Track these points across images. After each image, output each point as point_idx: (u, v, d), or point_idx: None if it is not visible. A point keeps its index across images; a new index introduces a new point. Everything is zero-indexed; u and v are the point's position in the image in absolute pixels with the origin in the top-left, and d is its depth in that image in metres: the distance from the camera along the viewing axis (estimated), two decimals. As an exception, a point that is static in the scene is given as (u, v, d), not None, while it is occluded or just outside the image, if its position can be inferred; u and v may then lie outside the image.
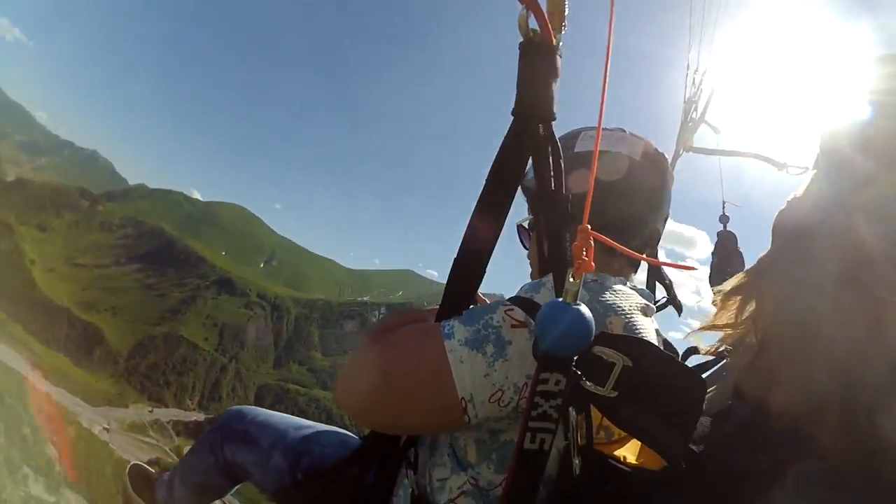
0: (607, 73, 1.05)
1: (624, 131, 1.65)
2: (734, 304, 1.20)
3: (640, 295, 1.43)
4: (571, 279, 1.05)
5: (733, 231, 3.02)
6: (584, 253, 1.02)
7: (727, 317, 1.21)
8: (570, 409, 1.06)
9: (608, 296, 1.31)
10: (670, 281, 1.86)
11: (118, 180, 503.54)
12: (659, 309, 1.66)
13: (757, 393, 1.01)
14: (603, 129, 1.46)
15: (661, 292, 1.83)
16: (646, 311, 1.39)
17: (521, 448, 1.15)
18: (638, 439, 1.07)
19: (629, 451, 1.16)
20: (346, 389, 1.38)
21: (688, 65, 3.32)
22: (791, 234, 1.11)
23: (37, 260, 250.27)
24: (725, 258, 3.01)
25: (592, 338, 1.01)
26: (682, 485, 1.01)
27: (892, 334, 0.75)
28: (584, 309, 1.00)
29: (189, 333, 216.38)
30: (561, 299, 1.03)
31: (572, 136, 1.61)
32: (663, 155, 1.68)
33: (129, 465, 2.95)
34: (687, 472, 1.00)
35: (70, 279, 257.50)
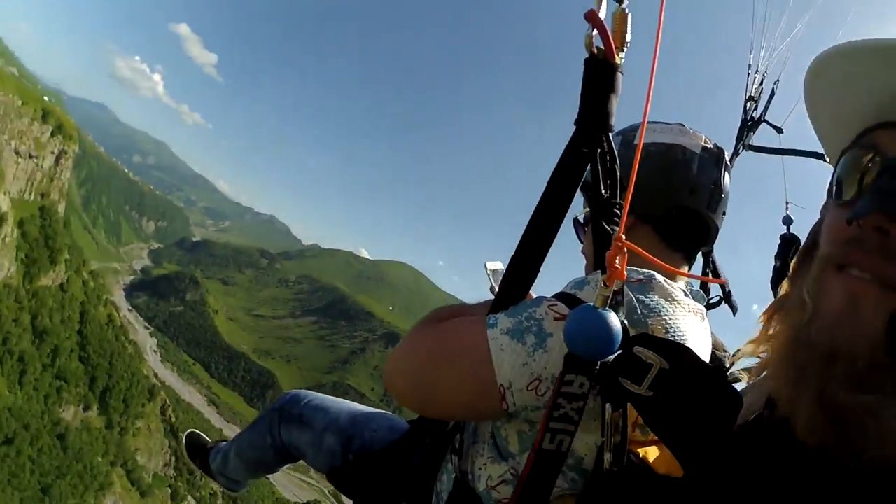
0: (654, 71, 1.10)
1: (683, 125, 1.69)
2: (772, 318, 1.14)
3: (692, 296, 1.45)
4: (603, 285, 1.09)
5: (797, 234, 2.27)
6: (618, 262, 1.07)
7: (766, 335, 1.15)
8: (607, 405, 1.10)
9: (653, 296, 1.32)
10: (726, 279, 1.85)
11: (293, 241, 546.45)
12: (712, 307, 1.70)
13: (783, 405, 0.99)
14: (663, 122, 1.67)
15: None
16: (694, 313, 1.40)
17: (538, 447, 1.19)
18: (662, 441, 1.08)
19: (664, 456, 1.18)
20: (394, 370, 1.47)
21: (749, 63, 3.24)
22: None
23: (220, 310, 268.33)
24: (788, 263, 2.22)
25: (618, 344, 1.05)
26: (700, 494, 1.02)
27: (867, 312, 0.77)
28: (612, 316, 1.04)
29: (356, 383, 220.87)
30: (592, 304, 1.07)
31: (634, 129, 1.69)
32: (723, 150, 1.70)
33: (186, 432, 3.27)
34: (708, 482, 1.00)
35: (249, 328, 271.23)
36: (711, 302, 1.70)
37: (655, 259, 1.06)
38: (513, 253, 1.43)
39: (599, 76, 1.29)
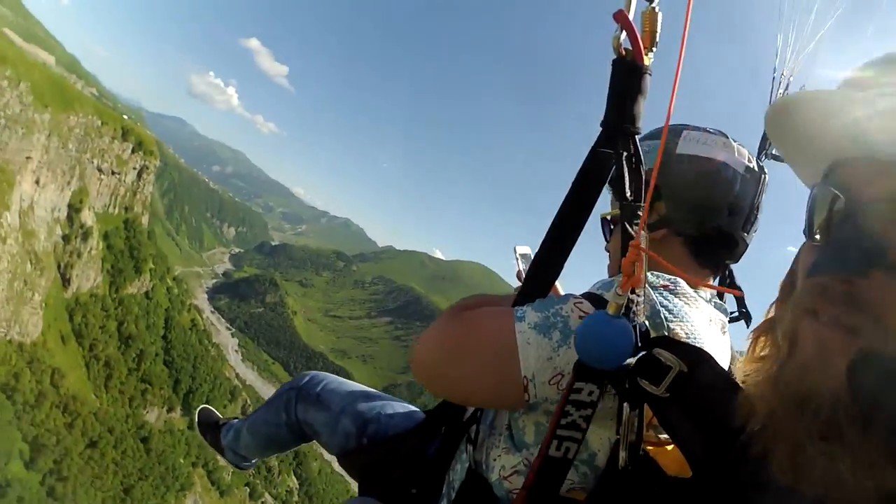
0: (678, 74, 1.13)
1: (727, 137, 1.63)
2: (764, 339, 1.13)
3: (715, 307, 1.49)
4: (619, 292, 1.14)
5: None
6: (635, 268, 1.14)
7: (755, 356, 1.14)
8: (625, 404, 1.14)
9: (677, 301, 1.36)
10: (742, 292, 1.83)
11: (369, 243, 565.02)
12: (734, 321, 1.68)
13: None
14: (704, 130, 1.63)
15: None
16: (716, 323, 1.45)
17: (544, 454, 1.26)
18: (674, 442, 1.12)
19: (675, 457, 1.19)
20: (422, 354, 1.48)
21: (774, 67, 3.28)
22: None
23: (298, 311, 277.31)
24: None
25: (627, 355, 1.11)
26: (708, 494, 1.05)
27: (833, 358, 0.80)
28: (623, 325, 1.10)
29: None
30: (605, 311, 1.11)
31: (675, 134, 1.63)
32: (764, 169, 1.67)
33: (199, 408, 3.40)
34: (715, 483, 1.04)
35: (326, 329, 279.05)
36: (733, 315, 1.68)
37: (677, 269, 1.11)
38: (538, 249, 1.51)
39: (627, 78, 1.32)
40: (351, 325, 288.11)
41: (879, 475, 0.73)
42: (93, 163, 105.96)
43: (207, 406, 3.47)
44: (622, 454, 1.15)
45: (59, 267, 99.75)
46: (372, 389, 2.56)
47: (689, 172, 1.57)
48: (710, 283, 1.66)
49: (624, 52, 1.31)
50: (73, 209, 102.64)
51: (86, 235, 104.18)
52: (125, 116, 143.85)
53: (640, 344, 1.13)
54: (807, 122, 0.92)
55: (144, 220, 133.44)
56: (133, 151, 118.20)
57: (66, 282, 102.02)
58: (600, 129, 1.41)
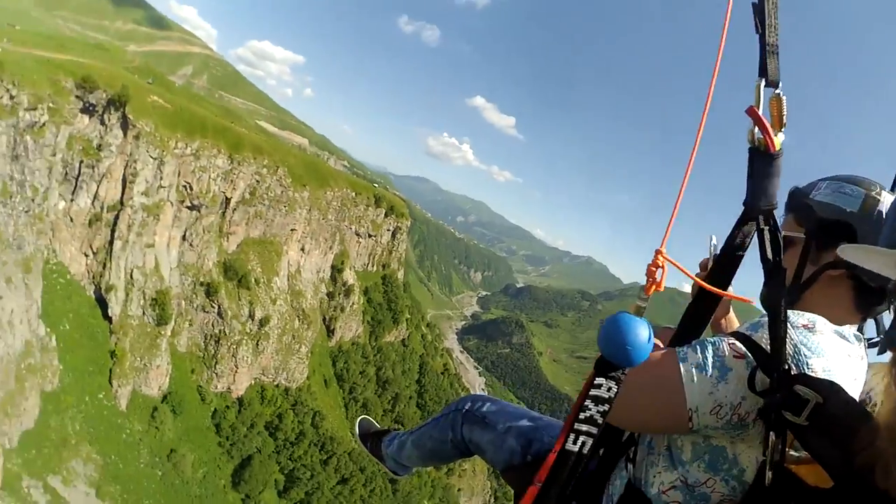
0: (713, 83, 1.34)
1: (892, 192, 1.73)
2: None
3: (855, 338, 1.60)
4: (642, 296, 1.40)
5: None
6: (658, 275, 1.40)
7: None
8: (771, 433, 1.36)
9: (814, 339, 1.48)
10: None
11: (613, 281, 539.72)
12: (873, 346, 1.73)
13: None
14: (869, 181, 1.73)
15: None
16: (852, 354, 1.55)
17: (561, 447, 1.47)
18: (815, 460, 1.30)
19: (812, 471, 1.36)
20: None
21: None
22: None
23: (544, 352, 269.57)
24: None
25: (639, 354, 1.33)
26: (848, 502, 1.24)
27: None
28: (640, 326, 1.31)
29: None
30: (627, 313, 1.29)
31: (811, 186, 1.81)
32: None
33: (359, 418, 3.74)
34: (853, 493, 1.22)
35: (572, 370, 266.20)
36: (874, 341, 1.76)
37: (692, 275, 1.45)
38: (690, 301, 1.76)
39: (761, 166, 1.51)
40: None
41: None
42: (351, 228, 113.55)
43: (367, 417, 3.72)
44: (768, 473, 1.36)
45: (324, 320, 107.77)
46: (531, 411, 2.66)
47: (885, 234, 1.59)
48: (857, 318, 1.73)
49: (758, 143, 1.48)
50: (336, 270, 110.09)
51: (348, 292, 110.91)
52: (375, 184, 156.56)
53: (783, 379, 1.34)
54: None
55: (400, 274, 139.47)
56: (386, 215, 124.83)
57: (330, 333, 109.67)
58: (742, 207, 1.60)
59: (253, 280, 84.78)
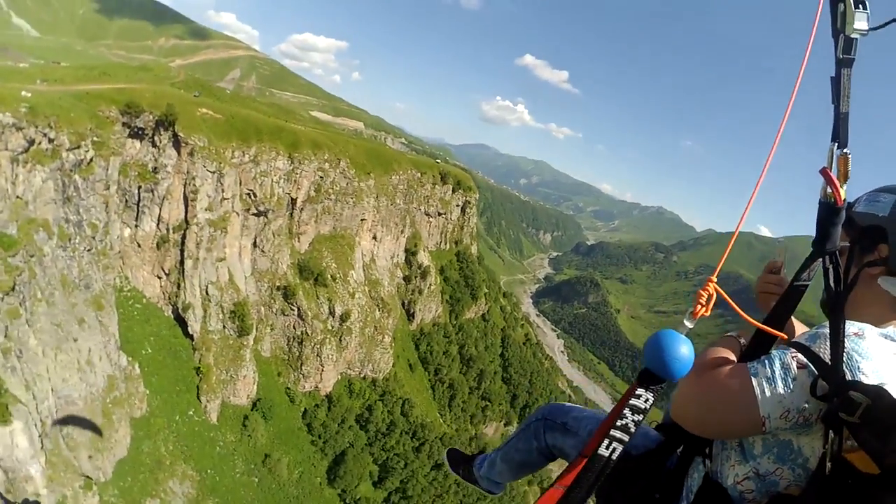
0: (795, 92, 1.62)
1: None
2: None
3: (895, 341, 1.72)
4: (689, 318, 1.61)
5: None
6: (704, 300, 1.61)
7: None
8: (830, 431, 1.55)
9: (863, 344, 1.64)
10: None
11: (686, 230, 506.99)
12: None
13: None
14: None
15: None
16: None
17: (593, 451, 1.60)
18: (864, 451, 1.47)
19: (862, 458, 1.50)
20: (682, 410, 1.87)
21: None
22: None
23: (621, 309, 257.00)
24: None
25: (679, 369, 1.53)
26: (891, 485, 1.42)
27: None
28: (682, 345, 1.52)
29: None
30: (674, 332, 1.46)
31: (856, 200, 2.00)
32: None
33: (447, 449, 3.88)
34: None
35: (651, 325, 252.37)
36: None
37: (735, 306, 1.65)
38: (765, 319, 1.95)
39: (829, 217, 1.73)
40: (676, 320, 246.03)
41: None
42: (420, 209, 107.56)
43: (453, 447, 3.88)
44: (828, 464, 1.55)
45: (403, 305, 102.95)
46: (601, 413, 2.73)
47: (856, 222, 1.89)
48: (893, 321, 1.84)
49: (828, 197, 1.69)
50: (410, 253, 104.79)
51: (424, 274, 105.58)
52: (437, 159, 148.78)
53: (839, 386, 1.51)
54: None
55: (473, 249, 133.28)
56: (453, 191, 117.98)
57: (410, 317, 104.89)
58: (811, 247, 1.82)
59: (329, 276, 79.97)
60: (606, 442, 1.60)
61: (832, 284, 1.77)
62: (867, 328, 1.70)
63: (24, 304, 39.03)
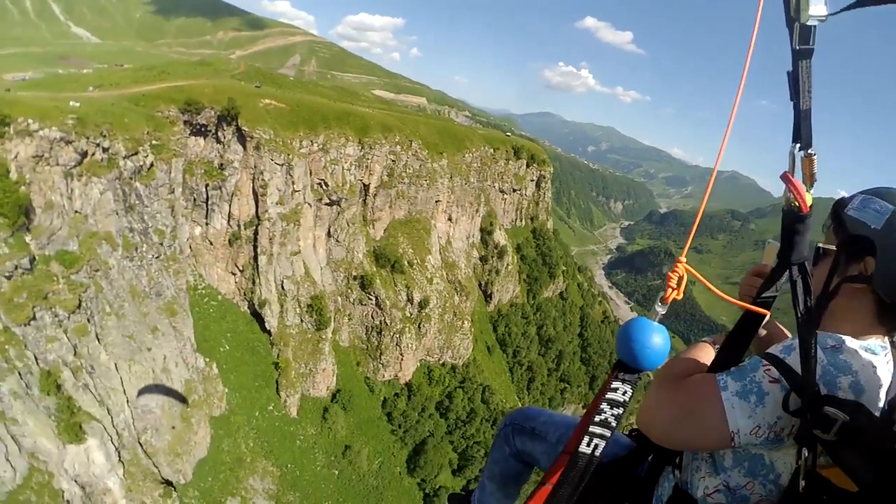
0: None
1: None
2: None
3: (881, 349, 1.63)
4: (661, 302, 1.44)
5: None
6: (675, 283, 1.44)
7: None
8: (804, 449, 1.45)
9: (842, 357, 1.54)
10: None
11: (763, 196, 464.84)
12: None
13: None
14: None
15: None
16: (881, 367, 1.58)
17: (574, 449, 1.50)
18: (843, 470, 1.37)
19: (838, 474, 1.42)
20: (649, 420, 1.74)
21: None
22: None
23: (696, 281, 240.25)
24: None
25: (652, 359, 1.40)
26: (870, 501, 1.33)
27: None
28: (656, 334, 1.39)
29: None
30: (646, 319, 1.34)
31: (850, 198, 1.78)
32: None
33: (448, 496, 3.54)
34: (875, 497, 1.32)
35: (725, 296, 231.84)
36: None
37: (706, 282, 1.54)
38: (731, 331, 1.85)
39: (794, 225, 1.57)
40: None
41: None
42: (494, 186, 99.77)
43: (454, 493, 3.53)
44: (801, 482, 1.45)
45: (479, 285, 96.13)
46: (577, 419, 2.48)
47: (849, 229, 1.67)
48: (883, 330, 1.69)
49: (792, 206, 1.52)
50: (486, 232, 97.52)
51: (501, 253, 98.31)
52: (508, 132, 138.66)
53: (813, 401, 1.40)
54: None
55: (549, 224, 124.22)
56: (527, 166, 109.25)
57: (487, 298, 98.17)
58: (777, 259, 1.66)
59: (406, 263, 73.94)
60: (587, 439, 1.51)
61: (801, 296, 1.56)
62: (846, 340, 1.59)
63: (92, 320, 35.44)
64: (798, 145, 1.47)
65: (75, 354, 34.38)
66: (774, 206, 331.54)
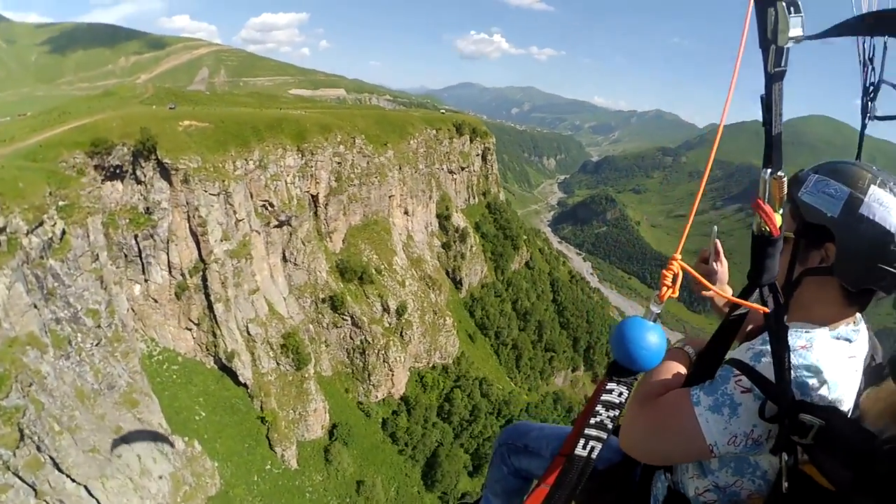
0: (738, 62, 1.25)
1: None
2: None
3: (853, 335, 1.66)
4: (656, 301, 1.42)
5: None
6: (670, 281, 1.39)
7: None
8: (783, 453, 1.48)
9: (812, 357, 1.54)
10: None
11: (689, 129, 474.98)
12: None
13: None
14: (860, 172, 1.56)
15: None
16: (847, 356, 1.61)
17: (569, 452, 1.51)
18: (821, 473, 1.42)
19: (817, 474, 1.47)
20: (628, 440, 1.78)
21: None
22: None
23: (641, 220, 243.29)
24: None
25: (647, 360, 1.39)
26: (848, 497, 1.37)
27: None
28: (651, 334, 1.37)
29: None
30: (641, 318, 1.34)
31: (805, 177, 1.67)
32: None
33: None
34: (851, 496, 1.37)
35: (673, 231, 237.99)
36: None
37: (700, 277, 1.50)
38: (707, 344, 1.84)
39: (765, 249, 1.43)
40: (697, 221, 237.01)
41: None
42: (443, 169, 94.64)
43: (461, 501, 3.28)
44: (784, 483, 1.48)
45: (447, 273, 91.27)
46: (569, 428, 2.46)
47: (864, 238, 1.53)
48: (853, 316, 1.68)
49: (762, 231, 1.40)
50: (443, 218, 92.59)
51: (462, 236, 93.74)
52: (442, 111, 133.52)
53: (788, 409, 1.41)
54: None
55: (501, 195, 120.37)
56: (471, 141, 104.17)
57: (458, 284, 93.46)
58: (747, 280, 1.52)
59: (373, 270, 67.74)
60: (583, 441, 1.49)
61: (772, 321, 1.47)
62: (816, 336, 1.59)
63: (42, 448, 27.53)
64: (769, 170, 1.37)
65: (36, 496, 26.76)
66: (701, 136, 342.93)
